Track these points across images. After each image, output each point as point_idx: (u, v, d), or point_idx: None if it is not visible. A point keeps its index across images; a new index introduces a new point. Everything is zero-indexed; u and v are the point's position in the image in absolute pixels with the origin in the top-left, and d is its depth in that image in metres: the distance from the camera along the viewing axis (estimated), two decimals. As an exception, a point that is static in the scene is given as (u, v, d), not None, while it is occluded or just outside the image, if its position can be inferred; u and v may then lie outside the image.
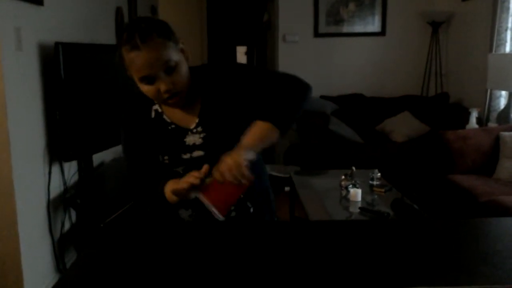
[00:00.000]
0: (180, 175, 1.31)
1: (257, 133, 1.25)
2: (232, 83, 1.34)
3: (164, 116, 1.35)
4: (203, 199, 1.17)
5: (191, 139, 1.34)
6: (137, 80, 1.25)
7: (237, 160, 1.15)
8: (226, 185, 1.16)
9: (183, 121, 1.35)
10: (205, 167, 1.19)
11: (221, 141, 1.33)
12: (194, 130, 1.34)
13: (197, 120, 1.34)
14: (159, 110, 1.36)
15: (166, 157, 1.34)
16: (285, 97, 1.31)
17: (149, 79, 1.22)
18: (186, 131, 1.34)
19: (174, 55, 1.23)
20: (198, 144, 1.33)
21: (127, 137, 1.39)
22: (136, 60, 1.19)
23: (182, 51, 1.27)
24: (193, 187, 1.18)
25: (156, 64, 1.19)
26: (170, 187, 1.25)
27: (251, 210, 1.41)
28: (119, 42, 1.22)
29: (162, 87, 1.22)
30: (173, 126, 1.34)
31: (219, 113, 1.34)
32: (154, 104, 1.36)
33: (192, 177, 1.18)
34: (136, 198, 1.40)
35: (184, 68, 1.26)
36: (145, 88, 1.25)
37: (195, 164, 1.33)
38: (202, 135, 1.33)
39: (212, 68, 1.39)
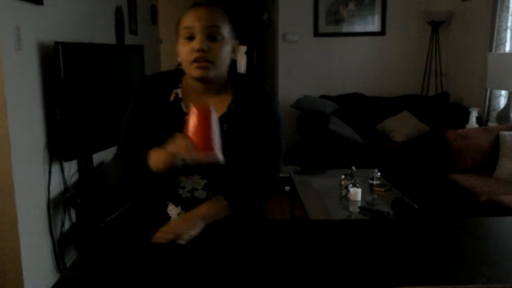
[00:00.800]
0: (173, 171, 1.27)
1: (217, 207, 1.29)
2: (258, 105, 1.34)
3: (182, 104, 1.33)
4: (196, 156, 1.14)
5: None
6: (181, 38, 1.27)
7: (187, 226, 1.20)
8: (197, 125, 1.13)
9: None
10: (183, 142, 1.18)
11: (228, 150, 1.29)
12: None
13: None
14: (180, 95, 1.33)
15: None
16: (254, 183, 1.36)
17: (191, 36, 1.24)
18: None
19: (225, 31, 1.27)
20: None
21: (135, 111, 1.35)
22: (192, 13, 1.25)
23: (234, 43, 1.31)
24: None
25: (206, 21, 1.24)
26: (156, 155, 1.23)
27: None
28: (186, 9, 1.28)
29: (197, 45, 1.23)
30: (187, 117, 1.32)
31: (239, 124, 1.32)
32: (178, 88, 1.34)
33: (179, 145, 1.16)
34: (118, 172, 1.38)
35: (226, 50, 1.28)
36: (182, 48, 1.26)
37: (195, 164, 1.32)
38: None
39: (249, 78, 1.39)
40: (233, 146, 1.30)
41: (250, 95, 1.35)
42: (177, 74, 1.36)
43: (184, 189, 1.36)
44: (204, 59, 1.24)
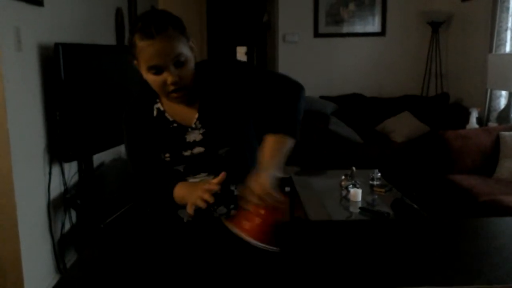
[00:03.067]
0: (181, 173, 1.31)
1: (274, 147, 1.25)
2: (230, 80, 1.35)
3: (166, 115, 1.36)
4: (240, 233, 1.07)
5: (191, 136, 1.34)
6: (144, 70, 1.25)
7: (265, 186, 1.12)
8: (259, 212, 1.09)
9: (184, 118, 1.35)
10: (222, 175, 1.17)
11: (220, 137, 1.34)
12: (194, 126, 1.34)
13: (196, 116, 1.34)
14: (161, 108, 1.37)
15: (167, 155, 1.34)
16: (284, 103, 1.32)
17: (158, 70, 1.22)
18: (186, 128, 1.35)
19: (185, 50, 1.24)
20: (198, 140, 1.34)
21: (129, 136, 1.39)
22: (148, 49, 1.20)
23: (191, 48, 1.29)
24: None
25: (167, 56, 1.21)
26: (180, 192, 1.24)
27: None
28: (132, 30, 1.23)
29: (170, 79, 1.22)
30: (175, 124, 1.35)
31: (217, 108, 1.35)
32: (156, 103, 1.37)
33: (207, 194, 1.13)
34: (140, 197, 1.39)
35: (191, 65, 1.27)
36: (151, 78, 1.25)
37: (195, 161, 1.34)
38: (201, 131, 1.34)
39: (211, 64, 1.39)
40: (225, 130, 1.32)
41: (215, 78, 1.35)
42: (152, 91, 1.35)
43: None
44: (179, 88, 1.24)
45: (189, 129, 1.34)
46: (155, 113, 1.37)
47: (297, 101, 1.35)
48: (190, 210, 1.17)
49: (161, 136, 1.35)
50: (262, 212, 1.08)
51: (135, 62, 1.27)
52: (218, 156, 1.34)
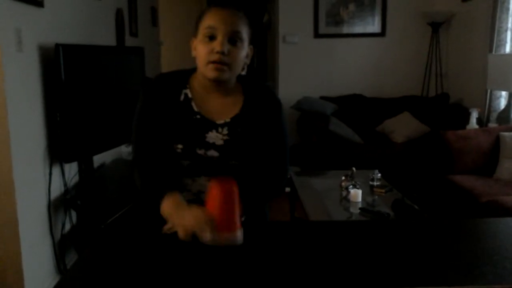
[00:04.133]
0: (184, 169, 1.30)
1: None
2: (268, 112, 1.36)
3: (192, 103, 1.33)
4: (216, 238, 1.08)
5: (212, 137, 1.31)
6: (200, 36, 1.27)
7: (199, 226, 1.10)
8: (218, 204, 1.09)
9: (212, 113, 1.32)
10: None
11: (239, 151, 1.32)
12: (220, 129, 1.31)
13: (228, 120, 1.33)
14: (189, 95, 1.33)
15: (180, 146, 1.30)
16: (264, 188, 1.35)
17: (212, 36, 1.25)
18: (211, 125, 1.31)
19: (244, 36, 1.29)
20: (218, 144, 1.31)
21: (146, 112, 1.33)
22: (215, 12, 1.26)
23: (249, 48, 1.33)
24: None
25: (228, 25, 1.25)
26: (169, 208, 1.20)
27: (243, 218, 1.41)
28: (209, 4, 1.31)
29: (218, 47, 1.24)
30: (198, 116, 1.32)
31: (250, 126, 1.34)
32: (186, 88, 1.34)
33: (200, 225, 1.10)
34: (137, 182, 1.36)
35: (243, 55, 1.30)
36: (201, 48, 1.27)
37: (204, 163, 1.32)
38: (225, 138, 1.31)
39: (260, 85, 1.41)
40: (246, 147, 1.32)
41: (260, 100, 1.36)
42: (183, 74, 1.37)
43: (189, 191, 1.35)
44: (222, 61, 1.25)
45: (213, 130, 1.31)
46: (182, 97, 1.33)
47: (271, 191, 1.38)
48: (175, 232, 1.14)
49: (180, 125, 1.31)
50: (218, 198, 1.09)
51: (193, 39, 1.30)
52: (228, 166, 1.33)
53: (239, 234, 1.09)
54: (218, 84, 1.31)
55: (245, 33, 1.28)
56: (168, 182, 1.27)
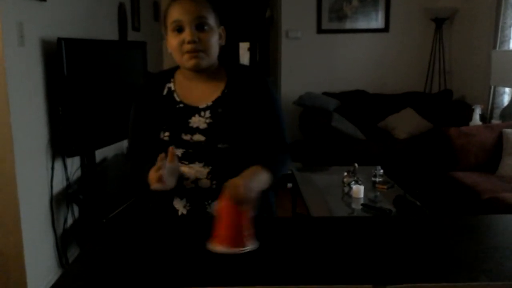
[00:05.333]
0: (179, 159, 1.32)
1: (257, 172, 1.26)
2: (254, 91, 1.38)
3: (175, 95, 1.39)
4: (216, 248, 1.09)
5: (195, 121, 1.35)
6: (169, 30, 1.32)
7: (244, 186, 1.13)
8: (229, 220, 1.10)
9: (195, 99, 1.37)
10: (171, 149, 1.23)
11: (224, 133, 1.34)
12: (202, 113, 1.35)
13: (210, 103, 1.36)
14: (172, 88, 1.40)
15: (166, 134, 1.35)
16: (278, 154, 1.38)
17: (179, 28, 1.29)
18: (193, 111, 1.36)
19: (211, 20, 1.32)
20: (202, 128, 1.34)
21: (135, 112, 1.43)
22: (176, 7, 1.30)
23: (220, 35, 1.36)
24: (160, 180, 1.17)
25: (191, 14, 1.28)
26: (151, 174, 1.24)
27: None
28: (169, 3, 1.33)
29: (187, 37, 1.28)
30: (181, 105, 1.37)
31: (233, 108, 1.36)
32: (169, 82, 1.41)
33: (154, 173, 1.18)
34: (131, 178, 1.42)
35: (215, 39, 1.33)
36: (172, 42, 1.31)
37: (194, 149, 1.35)
38: (208, 121, 1.35)
39: (244, 66, 1.45)
40: (231, 128, 1.34)
41: (244, 79, 1.40)
42: (169, 71, 1.44)
43: (187, 180, 1.36)
44: (196, 49, 1.29)
45: (196, 114, 1.35)
46: (165, 91, 1.40)
47: (284, 162, 1.41)
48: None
49: (165, 115, 1.37)
50: (229, 213, 1.10)
51: (162, 29, 1.35)
52: (217, 150, 1.34)
53: (249, 246, 1.10)
54: (200, 72, 1.36)
55: (211, 17, 1.32)
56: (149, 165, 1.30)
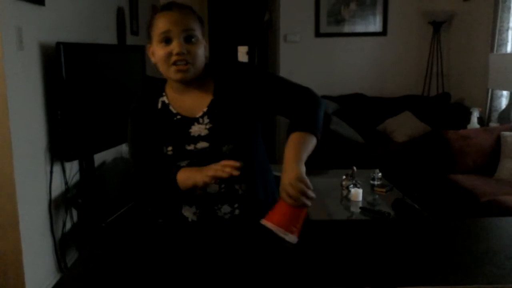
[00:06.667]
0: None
1: (300, 143, 1.26)
2: (246, 82, 1.37)
3: (170, 107, 1.38)
4: (271, 226, 1.09)
5: (196, 130, 1.35)
6: (156, 42, 1.30)
7: (301, 179, 1.12)
8: (289, 208, 1.11)
9: (190, 110, 1.36)
10: (231, 163, 1.20)
11: (226, 133, 1.34)
12: (201, 120, 1.35)
13: (205, 109, 1.36)
14: (166, 101, 1.39)
15: (170, 148, 1.34)
16: (308, 107, 1.35)
17: (167, 39, 1.28)
18: (192, 121, 1.35)
19: (198, 32, 1.31)
20: (204, 135, 1.34)
21: (133, 130, 1.41)
22: (163, 17, 1.29)
23: (204, 41, 1.36)
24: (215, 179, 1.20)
25: (179, 26, 1.27)
26: (184, 174, 1.27)
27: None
28: (154, 13, 1.32)
29: (176, 49, 1.27)
30: (178, 117, 1.37)
31: (228, 106, 1.36)
32: (162, 96, 1.40)
33: (219, 171, 1.18)
34: (140, 194, 1.42)
35: (201, 50, 1.32)
36: (159, 53, 1.30)
37: (199, 157, 1.34)
38: (208, 126, 1.34)
39: (229, 65, 1.43)
40: (232, 127, 1.34)
41: (229, 75, 1.39)
42: (157, 86, 1.43)
43: (196, 187, 1.37)
44: (184, 61, 1.28)
45: (195, 122, 1.35)
46: (159, 105, 1.39)
47: (318, 106, 1.37)
48: (200, 182, 1.22)
49: (164, 129, 1.36)
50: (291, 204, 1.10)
51: (148, 46, 1.33)
52: (222, 153, 1.34)
53: (292, 236, 1.09)
54: (187, 83, 1.35)
55: (198, 28, 1.32)
56: (174, 168, 1.33)
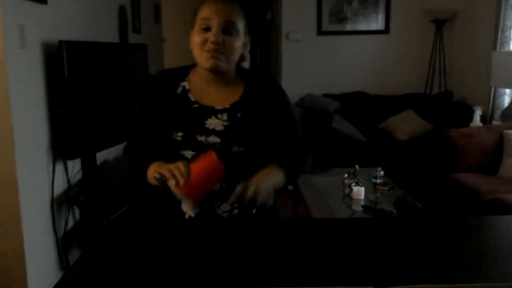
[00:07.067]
0: (189, 161, 1.31)
1: (272, 172, 1.29)
2: (273, 101, 1.40)
3: (189, 94, 1.37)
4: (177, 191, 1.17)
5: (212, 123, 1.34)
6: (197, 28, 1.31)
7: (266, 188, 1.22)
8: (200, 176, 1.17)
9: (211, 101, 1.36)
10: (182, 169, 1.20)
11: (241, 137, 1.34)
12: (219, 116, 1.34)
13: (227, 106, 1.36)
14: (187, 87, 1.38)
15: (180, 134, 1.33)
16: (301, 158, 1.42)
17: (207, 27, 1.29)
18: (209, 112, 1.35)
19: (240, 26, 1.32)
20: (218, 130, 1.33)
21: (144, 105, 1.40)
22: (211, 5, 1.30)
23: (247, 38, 1.37)
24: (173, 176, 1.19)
25: (222, 16, 1.29)
26: (154, 168, 1.25)
27: (254, 211, 1.41)
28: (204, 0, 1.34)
29: (212, 37, 1.28)
30: (196, 105, 1.36)
31: (251, 114, 1.36)
32: (184, 81, 1.39)
33: (177, 170, 1.17)
34: (129, 171, 1.41)
35: (238, 45, 1.33)
36: (196, 39, 1.31)
37: (205, 151, 1.33)
38: (225, 123, 1.34)
39: (264, 76, 1.45)
40: (247, 133, 1.34)
41: (262, 87, 1.41)
42: (183, 69, 1.42)
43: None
44: (218, 50, 1.29)
45: (212, 116, 1.34)
46: (179, 90, 1.38)
47: (306, 160, 1.44)
48: (151, 178, 1.24)
49: (178, 114, 1.35)
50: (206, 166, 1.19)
51: (190, 31, 1.34)
52: (231, 153, 1.33)
53: (194, 203, 1.20)
54: (217, 75, 1.35)
55: (240, 23, 1.32)
56: (153, 160, 1.30)
